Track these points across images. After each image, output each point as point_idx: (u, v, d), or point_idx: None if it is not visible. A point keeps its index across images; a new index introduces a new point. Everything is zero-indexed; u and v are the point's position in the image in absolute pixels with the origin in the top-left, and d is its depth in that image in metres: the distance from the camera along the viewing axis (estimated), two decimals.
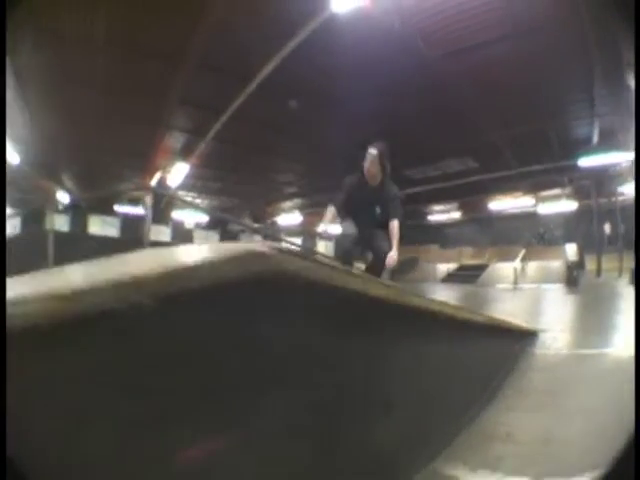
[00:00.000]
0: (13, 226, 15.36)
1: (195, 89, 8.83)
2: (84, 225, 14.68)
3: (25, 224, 14.92)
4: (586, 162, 11.05)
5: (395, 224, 3.75)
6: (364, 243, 3.92)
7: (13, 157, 12.38)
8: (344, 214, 3.92)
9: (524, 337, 4.13)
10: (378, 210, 3.85)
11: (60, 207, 15.97)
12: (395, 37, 6.82)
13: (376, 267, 3.74)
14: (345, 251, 3.84)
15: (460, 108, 9.03)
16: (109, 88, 8.84)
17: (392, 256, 3.61)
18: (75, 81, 8.56)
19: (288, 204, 18.53)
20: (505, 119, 9.54)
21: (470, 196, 15.23)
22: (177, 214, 16.96)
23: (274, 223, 19.73)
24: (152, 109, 9.78)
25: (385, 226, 3.77)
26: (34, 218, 14.42)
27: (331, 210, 3.82)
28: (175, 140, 11.52)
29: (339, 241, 4.03)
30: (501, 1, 6.18)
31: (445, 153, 11.60)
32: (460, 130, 9.99)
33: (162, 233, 15.15)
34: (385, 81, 8.06)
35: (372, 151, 3.79)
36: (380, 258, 3.70)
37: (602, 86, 7.76)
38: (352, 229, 3.88)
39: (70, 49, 7.51)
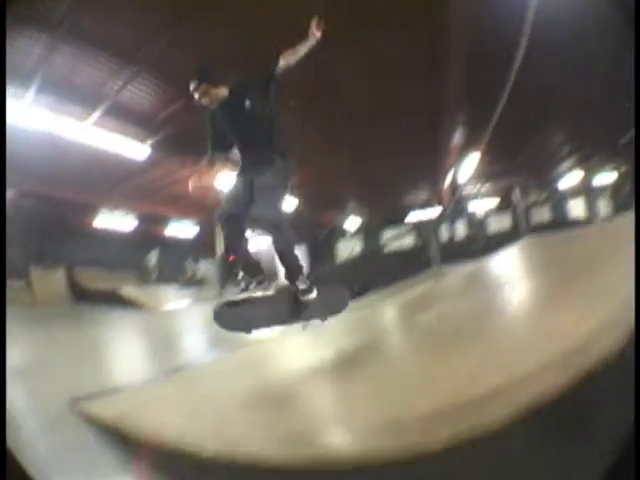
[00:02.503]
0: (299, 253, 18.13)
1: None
2: (377, 241, 15.94)
3: (314, 255, 17.19)
4: None
5: None
6: None
7: (290, 201, 14.38)
8: None
9: None
10: None
11: (351, 232, 18.21)
12: None
13: None
14: None
15: None
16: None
17: None
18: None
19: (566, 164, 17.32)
20: None
21: None
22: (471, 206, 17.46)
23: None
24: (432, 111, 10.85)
25: None
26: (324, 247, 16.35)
27: None
28: (459, 135, 12.33)
29: None
30: None
31: None
32: None
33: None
34: None
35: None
36: None
37: None
38: None
39: None
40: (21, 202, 14.47)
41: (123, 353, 6.72)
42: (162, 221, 19.52)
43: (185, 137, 10.65)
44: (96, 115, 9.72)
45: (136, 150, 10.93)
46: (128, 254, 17.61)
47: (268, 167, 3.67)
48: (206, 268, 23.41)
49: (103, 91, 9.25)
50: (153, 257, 15.49)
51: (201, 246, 20.71)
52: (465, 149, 12.70)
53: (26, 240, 15.66)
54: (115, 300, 12.24)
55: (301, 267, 3.64)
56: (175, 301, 13.83)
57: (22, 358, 5.92)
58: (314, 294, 3.65)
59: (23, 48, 7.88)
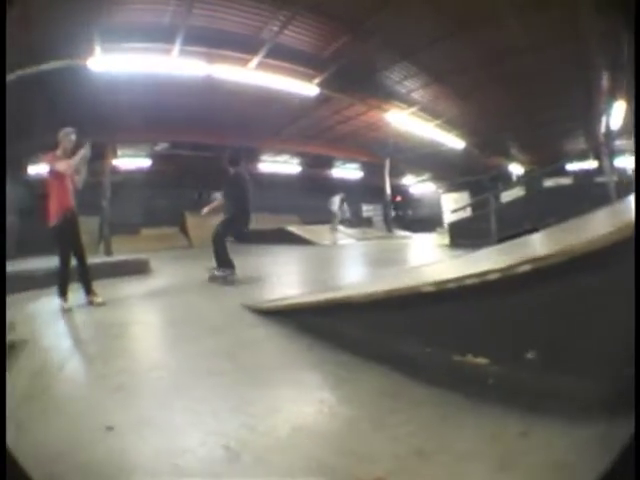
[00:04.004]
0: (461, 200, 19.05)
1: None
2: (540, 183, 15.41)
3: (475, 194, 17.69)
4: None
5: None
6: None
7: (457, 143, 15.86)
8: None
9: None
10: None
11: (515, 177, 19.69)
12: None
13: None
14: None
15: None
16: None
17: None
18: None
19: None
20: None
21: None
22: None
23: None
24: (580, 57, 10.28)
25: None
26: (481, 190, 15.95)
27: None
28: (606, 79, 11.37)
29: None
30: None
31: None
32: None
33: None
34: None
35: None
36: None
37: None
38: None
39: None
40: (176, 153, 15.38)
41: (289, 276, 6.83)
42: (327, 163, 19.96)
43: (351, 74, 10.86)
44: (257, 59, 9.73)
45: (304, 90, 10.78)
46: (292, 197, 18.82)
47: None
48: (368, 209, 23.98)
49: (261, 35, 9.24)
50: (336, 201, 15.89)
51: (366, 188, 21.78)
52: (611, 94, 11.82)
53: (181, 191, 17.08)
54: (279, 238, 12.85)
55: (228, 263, 5.70)
56: (343, 240, 14.14)
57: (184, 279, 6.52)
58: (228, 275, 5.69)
59: (154, 9, 8.16)
